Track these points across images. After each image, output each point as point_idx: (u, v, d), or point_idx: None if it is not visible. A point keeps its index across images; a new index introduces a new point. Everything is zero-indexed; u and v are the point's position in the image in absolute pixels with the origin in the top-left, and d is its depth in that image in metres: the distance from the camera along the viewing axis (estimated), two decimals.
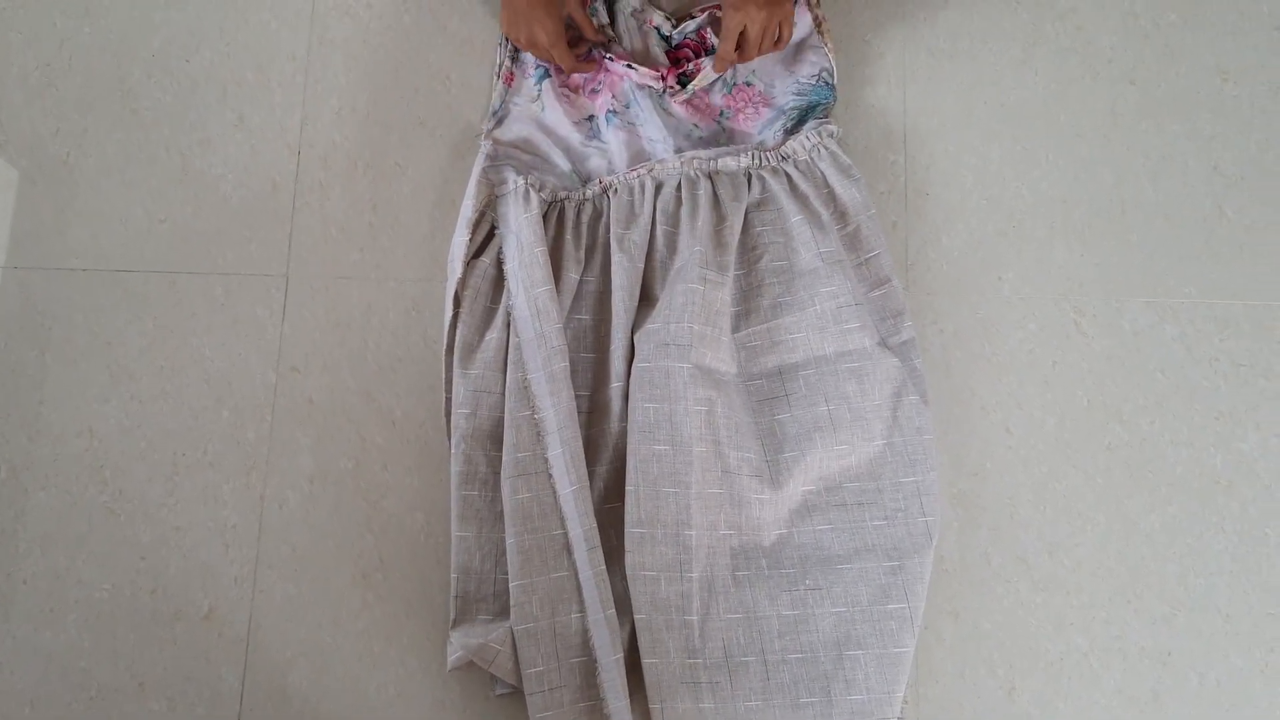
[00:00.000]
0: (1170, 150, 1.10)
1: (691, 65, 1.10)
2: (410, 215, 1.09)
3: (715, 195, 1.06)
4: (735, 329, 1.03)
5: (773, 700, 0.93)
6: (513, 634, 0.94)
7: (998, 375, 1.05)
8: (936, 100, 1.12)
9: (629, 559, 0.94)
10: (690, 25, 1.11)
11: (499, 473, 0.98)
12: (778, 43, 1.05)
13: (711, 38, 1.11)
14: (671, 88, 1.09)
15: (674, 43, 1.12)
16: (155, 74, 1.12)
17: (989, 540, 1.01)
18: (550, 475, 0.97)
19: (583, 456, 0.97)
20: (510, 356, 1.00)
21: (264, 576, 1.01)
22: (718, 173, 1.07)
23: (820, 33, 1.10)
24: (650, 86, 1.09)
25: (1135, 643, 0.99)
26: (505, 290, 1.03)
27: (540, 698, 0.92)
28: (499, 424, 0.99)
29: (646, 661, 0.93)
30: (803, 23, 1.10)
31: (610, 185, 1.07)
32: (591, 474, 0.99)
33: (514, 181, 1.05)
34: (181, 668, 0.99)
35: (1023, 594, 1.00)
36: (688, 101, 1.10)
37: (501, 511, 0.97)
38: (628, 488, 0.96)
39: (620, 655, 0.92)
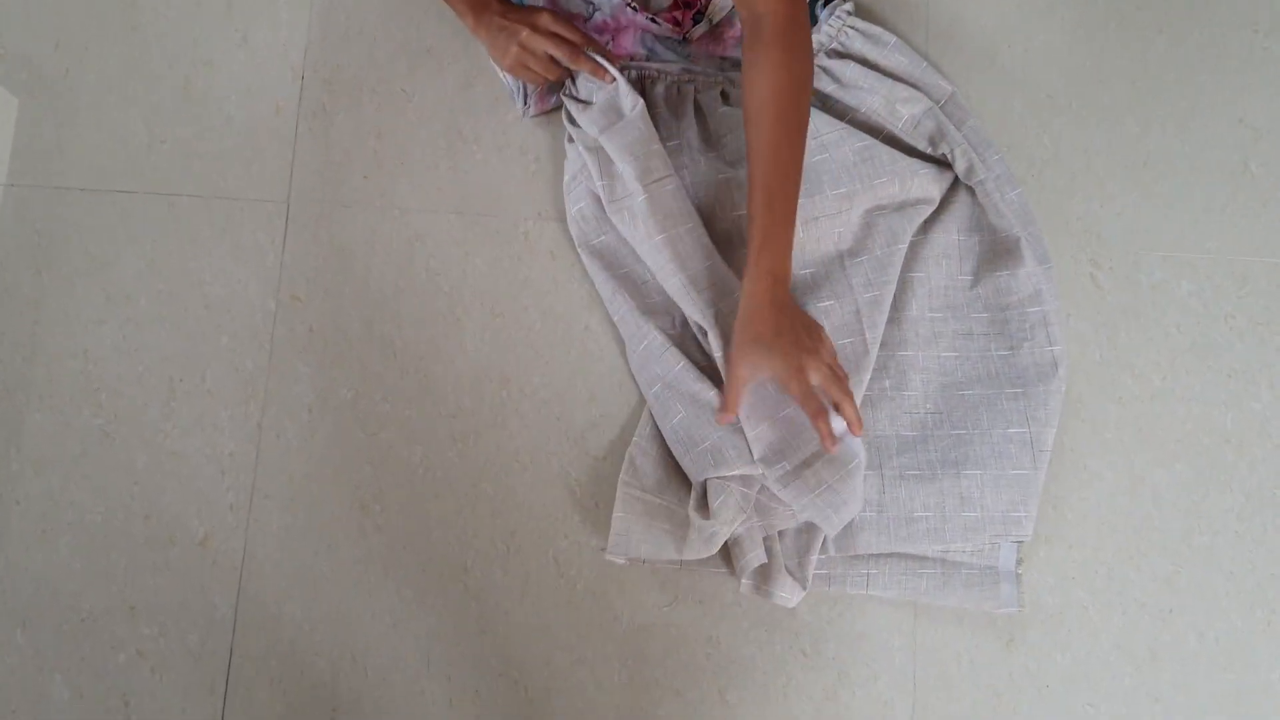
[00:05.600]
0: (1197, 102, 1.07)
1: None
2: (415, 144, 1.06)
3: None
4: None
5: (886, 512, 0.96)
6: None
7: None
8: (959, 44, 1.09)
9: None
10: None
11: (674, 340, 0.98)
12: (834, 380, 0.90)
13: None
14: (689, 30, 1.06)
15: None
16: None
17: None
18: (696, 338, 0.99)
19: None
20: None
21: (260, 505, 1.00)
22: None
23: None
24: (670, 38, 1.06)
25: (1136, 599, 0.98)
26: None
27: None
28: (655, 306, 1.00)
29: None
30: None
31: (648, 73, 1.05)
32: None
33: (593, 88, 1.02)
34: (174, 594, 0.98)
35: (1024, 545, 0.99)
36: (708, 35, 1.07)
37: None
38: None
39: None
